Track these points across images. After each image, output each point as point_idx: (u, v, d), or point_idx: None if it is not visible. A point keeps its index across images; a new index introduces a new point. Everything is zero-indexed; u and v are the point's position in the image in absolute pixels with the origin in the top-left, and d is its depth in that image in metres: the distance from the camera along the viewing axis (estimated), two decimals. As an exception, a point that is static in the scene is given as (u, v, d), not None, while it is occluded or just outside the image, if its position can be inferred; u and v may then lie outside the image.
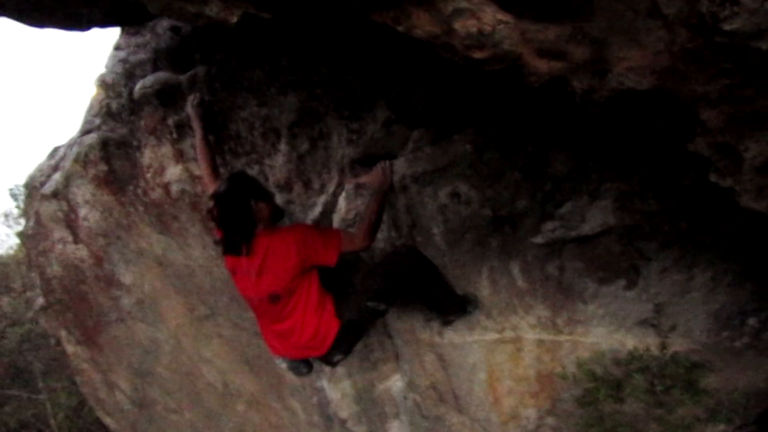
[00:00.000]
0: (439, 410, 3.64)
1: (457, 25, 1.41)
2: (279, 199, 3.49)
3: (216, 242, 3.01)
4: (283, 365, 3.44)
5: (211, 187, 3.14)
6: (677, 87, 1.38)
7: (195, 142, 3.39)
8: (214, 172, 3.26)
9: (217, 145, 3.52)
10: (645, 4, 1.23)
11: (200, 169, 3.38)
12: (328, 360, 3.09)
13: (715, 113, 1.40)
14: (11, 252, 9.76)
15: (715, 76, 1.29)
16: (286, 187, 3.44)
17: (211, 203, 2.89)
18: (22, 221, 5.90)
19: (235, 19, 1.57)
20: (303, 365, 3.36)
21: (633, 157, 2.51)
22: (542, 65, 1.48)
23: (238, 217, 2.81)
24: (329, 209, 3.34)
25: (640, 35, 1.30)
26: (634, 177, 2.55)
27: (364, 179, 3.08)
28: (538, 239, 2.82)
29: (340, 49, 2.98)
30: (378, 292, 2.90)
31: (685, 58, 1.28)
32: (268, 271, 2.81)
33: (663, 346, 2.72)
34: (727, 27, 1.14)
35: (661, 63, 1.33)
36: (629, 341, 2.87)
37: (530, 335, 3.10)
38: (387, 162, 2.98)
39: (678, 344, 2.76)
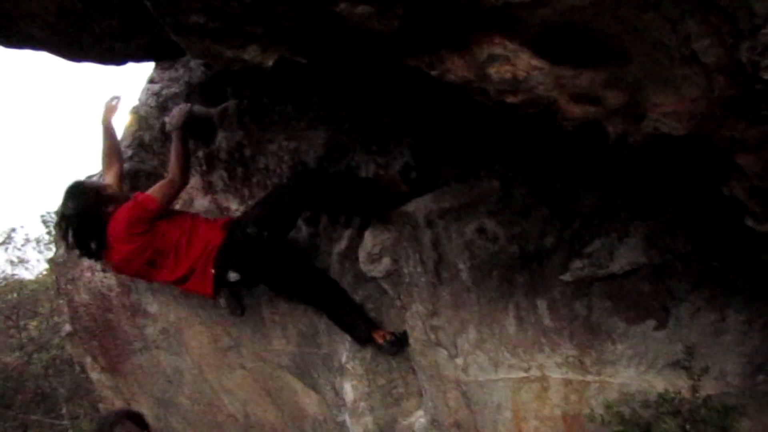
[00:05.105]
0: (463, 448, 3.57)
1: (492, 71, 1.43)
2: (305, 232, 3.51)
3: (80, 255, 3.23)
4: (222, 301, 3.67)
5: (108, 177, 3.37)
6: (714, 132, 1.37)
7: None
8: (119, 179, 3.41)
9: (246, 178, 3.57)
10: (682, 51, 1.23)
11: (111, 164, 3.46)
12: (223, 279, 3.14)
13: (752, 158, 1.39)
14: (40, 277, 9.90)
15: (753, 123, 1.28)
16: (313, 220, 3.46)
17: (63, 223, 3.08)
18: (53, 247, 6.00)
19: (270, 63, 1.61)
20: (236, 304, 3.68)
21: (663, 196, 2.48)
22: (576, 110, 1.48)
23: (95, 214, 3.02)
24: (355, 243, 3.35)
25: (676, 82, 1.30)
26: (664, 215, 2.52)
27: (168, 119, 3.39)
28: (566, 277, 2.79)
29: (368, 86, 3.02)
30: (258, 220, 3.07)
31: (723, 105, 1.28)
32: (127, 250, 3.02)
33: (695, 389, 2.64)
34: (767, 76, 1.13)
35: (697, 109, 1.33)
36: (659, 383, 2.79)
37: (557, 374, 3.04)
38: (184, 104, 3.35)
39: (710, 387, 2.69)
